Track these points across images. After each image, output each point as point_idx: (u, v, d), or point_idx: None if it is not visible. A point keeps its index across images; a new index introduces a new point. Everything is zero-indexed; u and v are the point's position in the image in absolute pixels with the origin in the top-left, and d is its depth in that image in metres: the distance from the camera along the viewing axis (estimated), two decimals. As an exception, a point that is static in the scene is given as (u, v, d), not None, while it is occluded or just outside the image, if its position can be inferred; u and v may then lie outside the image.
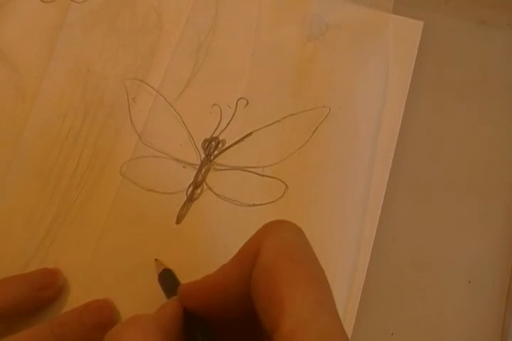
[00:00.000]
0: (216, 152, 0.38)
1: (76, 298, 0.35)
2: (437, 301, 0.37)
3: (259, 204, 0.37)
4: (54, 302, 0.35)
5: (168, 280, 0.33)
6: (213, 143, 0.38)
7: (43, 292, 0.34)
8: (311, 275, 0.22)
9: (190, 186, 0.37)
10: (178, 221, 0.36)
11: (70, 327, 0.32)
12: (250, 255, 0.23)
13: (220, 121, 0.38)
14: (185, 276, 0.34)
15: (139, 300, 0.35)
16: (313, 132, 0.38)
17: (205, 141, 0.38)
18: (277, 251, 0.23)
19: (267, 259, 0.22)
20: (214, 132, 0.38)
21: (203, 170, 0.37)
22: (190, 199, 0.37)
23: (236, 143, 0.38)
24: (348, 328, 0.35)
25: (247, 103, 0.38)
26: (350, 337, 0.35)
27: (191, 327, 0.26)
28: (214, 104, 0.38)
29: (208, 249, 0.36)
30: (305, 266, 0.22)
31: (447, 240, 0.38)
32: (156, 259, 0.35)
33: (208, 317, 0.26)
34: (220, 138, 0.38)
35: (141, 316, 0.25)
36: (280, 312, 0.21)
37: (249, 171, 0.37)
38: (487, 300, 0.37)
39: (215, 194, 0.37)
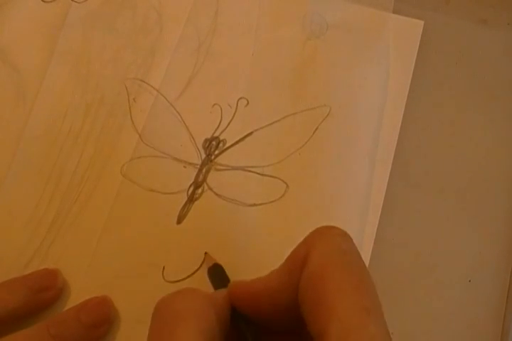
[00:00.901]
0: (217, 152, 0.38)
1: (76, 298, 0.35)
2: (437, 301, 0.37)
3: (260, 204, 0.37)
4: (54, 303, 0.35)
5: (217, 275, 0.33)
6: (214, 142, 0.38)
7: (43, 294, 0.34)
8: (359, 283, 0.22)
9: (190, 186, 0.37)
10: (179, 221, 0.36)
11: (67, 325, 0.32)
12: (299, 261, 0.23)
13: (220, 120, 0.38)
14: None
15: (140, 301, 0.35)
16: (314, 131, 0.38)
17: (206, 140, 0.38)
18: (326, 258, 0.23)
19: (315, 266, 0.22)
20: (215, 132, 0.38)
21: (204, 170, 0.37)
22: (191, 199, 0.37)
23: (237, 142, 0.38)
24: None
25: (248, 102, 0.38)
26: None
27: (240, 324, 0.26)
28: (214, 104, 0.38)
29: (209, 249, 0.36)
30: (353, 273, 0.22)
31: (447, 240, 0.38)
32: (206, 253, 0.35)
33: (255, 319, 0.26)
34: (221, 137, 0.38)
35: (198, 290, 0.25)
36: (328, 319, 0.21)
37: (250, 171, 0.37)
38: (487, 300, 0.37)
39: (216, 194, 0.37)
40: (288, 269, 0.24)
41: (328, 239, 0.24)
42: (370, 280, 0.23)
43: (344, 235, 0.24)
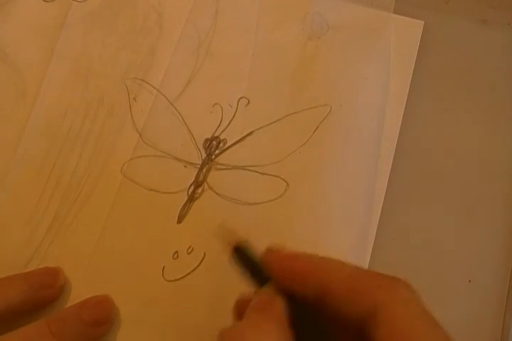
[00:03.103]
0: (217, 151, 0.38)
1: (76, 297, 0.35)
2: (437, 301, 0.37)
3: (261, 203, 0.37)
4: (55, 301, 0.35)
5: (244, 258, 0.29)
6: (214, 142, 0.38)
7: (44, 291, 0.34)
8: (445, 335, 0.24)
9: (191, 185, 0.37)
10: (179, 220, 0.36)
11: (67, 323, 0.32)
12: (365, 299, 0.25)
13: (221, 120, 0.38)
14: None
15: (140, 300, 0.35)
16: (314, 131, 0.38)
17: (206, 140, 0.38)
18: (411, 317, 0.24)
19: (401, 325, 0.24)
20: (215, 131, 0.38)
21: (204, 170, 0.37)
22: (192, 198, 0.37)
23: (237, 142, 0.38)
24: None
25: (248, 102, 0.38)
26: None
27: (297, 319, 0.26)
28: (215, 104, 0.38)
29: (209, 248, 0.36)
30: (435, 328, 0.24)
31: (447, 240, 0.38)
32: (220, 226, 0.32)
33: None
34: (221, 137, 0.38)
35: (261, 316, 0.25)
36: None
37: (251, 170, 0.37)
38: (487, 300, 0.37)
39: (216, 193, 0.37)
40: (349, 291, 0.25)
41: (405, 297, 0.25)
42: (448, 334, 0.24)
43: (415, 292, 0.26)
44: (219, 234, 0.30)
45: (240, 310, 0.29)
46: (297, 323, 0.26)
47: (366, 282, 0.25)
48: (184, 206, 0.37)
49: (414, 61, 0.40)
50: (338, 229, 0.36)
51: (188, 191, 0.37)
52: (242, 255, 0.29)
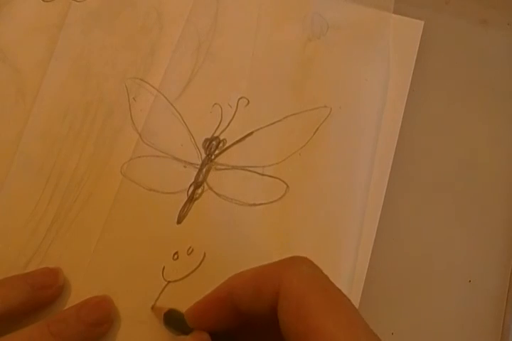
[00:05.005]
0: (217, 151, 0.38)
1: (76, 297, 0.35)
2: (437, 301, 0.37)
3: (260, 204, 0.37)
4: (55, 301, 0.35)
5: (173, 319, 0.33)
6: (214, 142, 0.38)
7: (44, 292, 0.34)
8: (338, 302, 0.24)
9: (191, 186, 0.37)
10: (179, 221, 0.36)
11: (67, 323, 0.32)
12: (270, 284, 0.25)
13: (220, 120, 0.38)
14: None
15: (140, 300, 0.35)
16: (314, 133, 0.38)
17: (206, 140, 0.38)
18: (304, 286, 0.24)
19: (295, 295, 0.24)
20: (215, 131, 0.38)
21: (204, 170, 0.37)
22: (191, 199, 0.37)
23: (237, 142, 0.38)
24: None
25: (248, 102, 0.38)
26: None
27: None
28: (215, 104, 0.38)
29: (209, 248, 0.36)
30: (331, 296, 0.24)
31: (448, 240, 0.38)
32: (152, 307, 0.35)
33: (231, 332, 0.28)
34: (221, 137, 0.38)
35: None
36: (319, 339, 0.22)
37: (250, 171, 0.37)
38: (487, 300, 0.37)
39: (216, 193, 0.37)
40: (255, 288, 0.26)
41: (300, 269, 0.25)
42: (349, 301, 0.24)
43: (312, 263, 0.26)
44: (155, 309, 0.35)
45: None
46: None
47: (268, 271, 0.26)
48: (184, 206, 0.37)
49: (414, 61, 0.40)
50: (337, 230, 0.36)
51: (187, 191, 0.37)
52: (170, 317, 0.33)
